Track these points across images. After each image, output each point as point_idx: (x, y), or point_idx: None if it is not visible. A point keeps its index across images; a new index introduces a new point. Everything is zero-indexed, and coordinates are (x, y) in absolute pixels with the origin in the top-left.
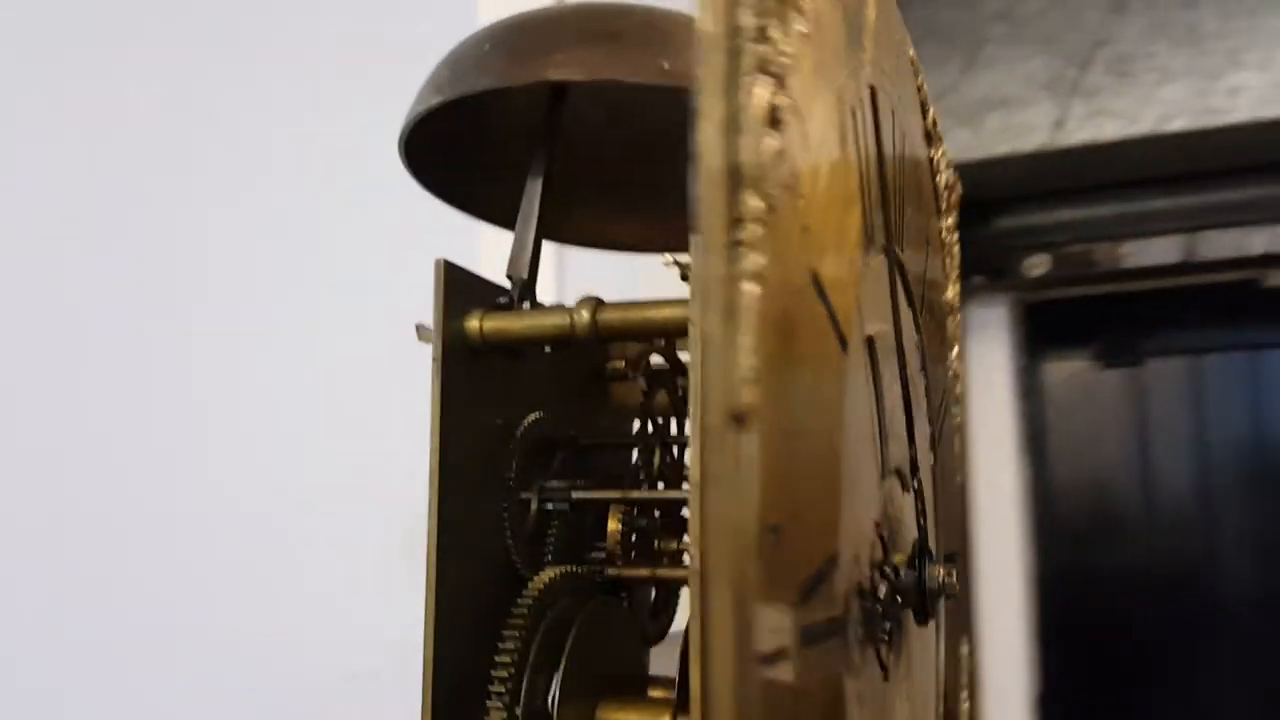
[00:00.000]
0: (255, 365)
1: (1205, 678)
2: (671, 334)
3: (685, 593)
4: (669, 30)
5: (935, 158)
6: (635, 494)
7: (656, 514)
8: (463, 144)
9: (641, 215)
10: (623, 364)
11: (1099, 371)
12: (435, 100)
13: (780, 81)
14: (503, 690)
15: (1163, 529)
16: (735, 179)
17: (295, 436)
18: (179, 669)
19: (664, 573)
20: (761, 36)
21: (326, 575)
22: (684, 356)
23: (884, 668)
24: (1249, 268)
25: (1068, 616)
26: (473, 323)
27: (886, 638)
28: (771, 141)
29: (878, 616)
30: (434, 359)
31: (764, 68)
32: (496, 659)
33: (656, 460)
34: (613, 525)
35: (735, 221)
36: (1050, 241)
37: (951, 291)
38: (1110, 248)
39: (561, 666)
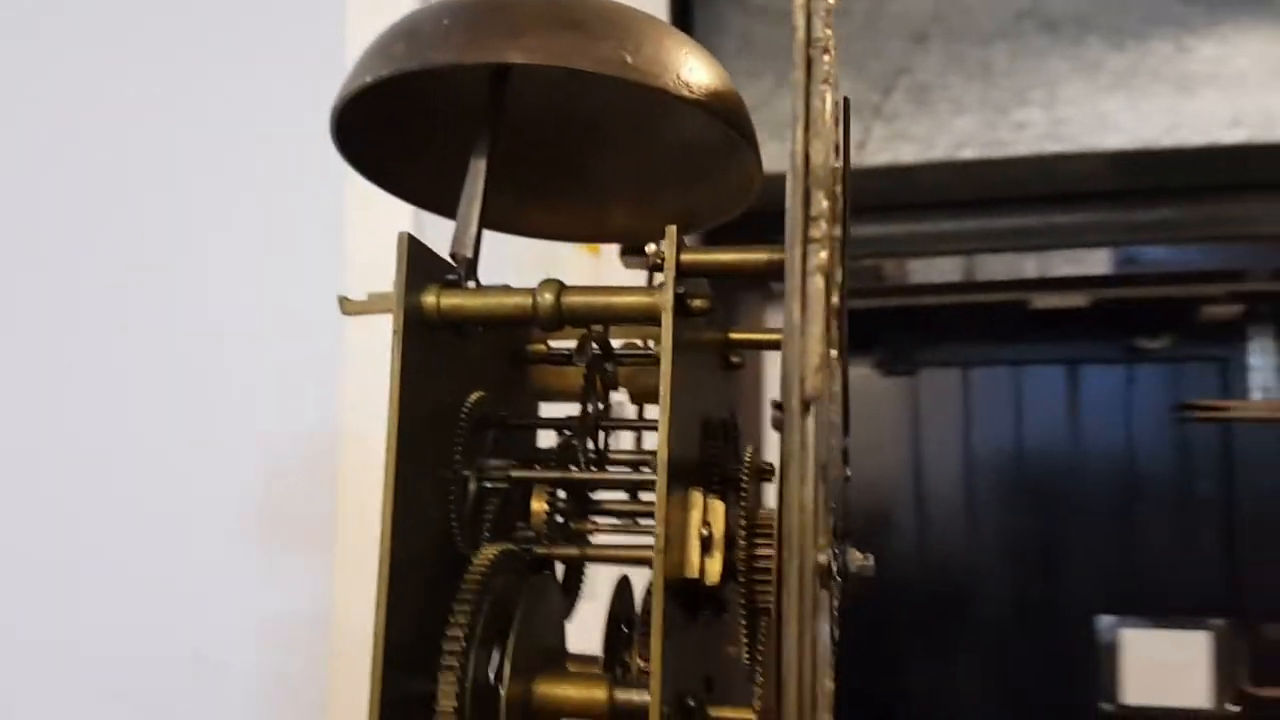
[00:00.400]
0: (109, 348)
1: (960, 671)
2: (634, 321)
3: (592, 572)
4: (628, 24)
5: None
6: (578, 475)
7: (561, 495)
8: (394, 124)
9: (556, 204)
10: (544, 347)
11: (880, 378)
12: (385, 72)
13: (835, 89)
14: (454, 664)
15: (931, 529)
16: (813, 179)
17: (150, 419)
18: (24, 647)
19: (592, 552)
20: (826, 48)
21: (175, 557)
22: (615, 343)
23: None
24: (1020, 290)
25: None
26: (430, 298)
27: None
28: (828, 146)
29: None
30: (395, 332)
31: (827, 77)
32: (447, 633)
33: (594, 444)
34: (537, 505)
35: (812, 219)
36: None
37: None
38: (899, 264)
39: (511, 642)
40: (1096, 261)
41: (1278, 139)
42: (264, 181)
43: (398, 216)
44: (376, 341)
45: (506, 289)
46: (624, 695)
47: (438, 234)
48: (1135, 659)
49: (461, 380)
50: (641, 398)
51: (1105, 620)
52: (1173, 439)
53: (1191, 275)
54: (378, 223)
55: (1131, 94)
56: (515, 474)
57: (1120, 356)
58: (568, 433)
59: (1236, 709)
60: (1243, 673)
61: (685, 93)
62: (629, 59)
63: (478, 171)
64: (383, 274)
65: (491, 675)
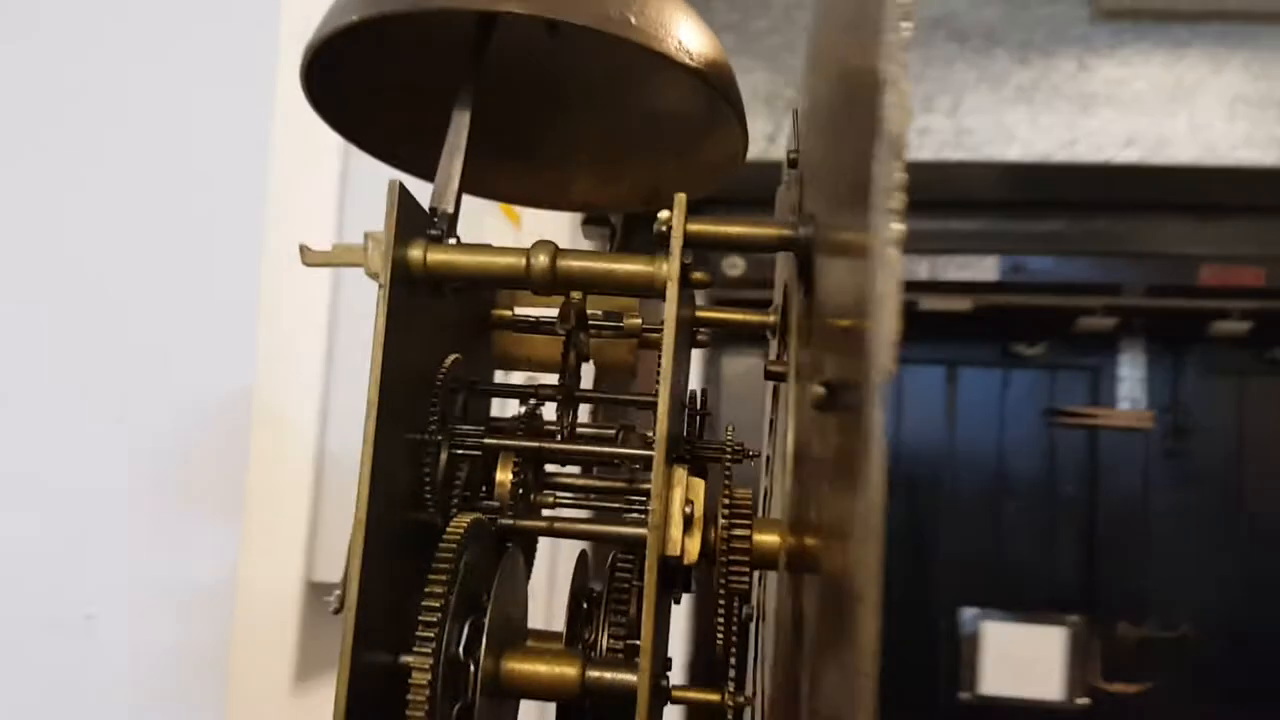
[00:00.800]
0: None
1: None
2: (632, 290)
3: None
4: None
5: None
6: (554, 445)
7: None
8: (363, 72)
9: (519, 167)
10: (509, 313)
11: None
12: (375, 11)
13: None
14: (429, 636)
15: None
16: (892, 148)
17: (43, 368)
18: None
19: (563, 527)
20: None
21: (67, 516)
22: (592, 312)
23: None
24: (910, 291)
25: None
26: (415, 253)
27: None
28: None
29: None
30: (381, 286)
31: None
32: (424, 604)
33: (569, 413)
34: (503, 476)
35: (893, 190)
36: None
37: None
38: None
39: (488, 617)
40: (985, 268)
41: (1168, 161)
42: (179, 118)
43: (326, 162)
44: (300, 296)
45: (497, 248)
46: (595, 673)
47: (368, 178)
48: (994, 651)
49: (433, 341)
50: (610, 370)
51: (968, 613)
52: (1043, 442)
53: (1072, 287)
54: (304, 168)
55: (1033, 108)
56: (490, 441)
57: (998, 360)
58: (533, 401)
59: (1086, 702)
60: (1095, 668)
61: (686, 60)
62: (633, 20)
63: (461, 124)
64: (307, 223)
65: (461, 650)
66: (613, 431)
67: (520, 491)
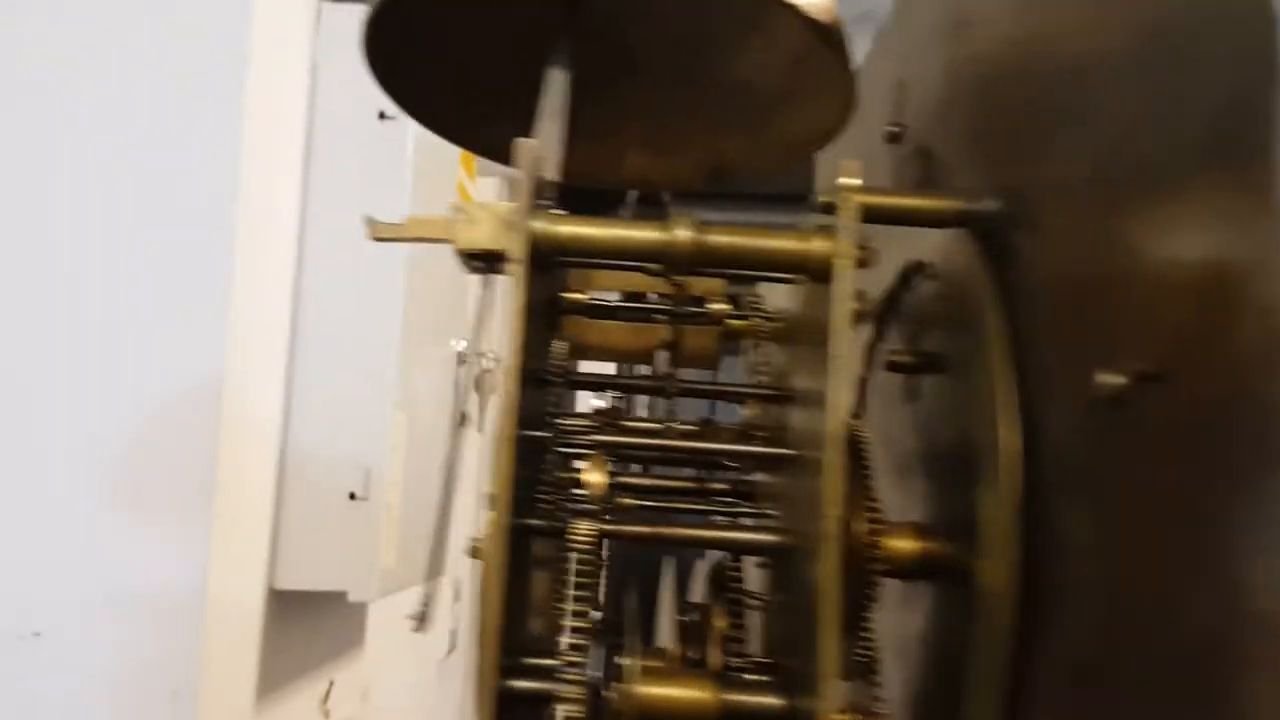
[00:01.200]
0: None
1: None
2: (780, 267)
3: None
4: None
5: None
6: (680, 444)
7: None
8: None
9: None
10: (584, 296)
11: None
12: None
13: None
14: (579, 661)
15: None
16: None
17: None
18: None
19: (668, 532)
20: None
21: (17, 519)
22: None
23: None
24: None
25: None
26: (542, 226)
27: None
28: None
29: None
30: (518, 262)
31: None
32: (574, 627)
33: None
34: (598, 477)
35: None
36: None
37: None
38: None
39: (631, 641)
40: None
41: None
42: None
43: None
44: (261, 296)
45: (632, 222)
46: (735, 697)
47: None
48: None
49: (547, 324)
50: (692, 360)
51: None
52: None
53: None
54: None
55: None
56: (606, 438)
57: None
58: (619, 396)
59: None
60: None
61: (820, 16)
62: None
63: (558, 84)
64: (274, 199)
65: (600, 673)
66: (695, 428)
67: (613, 493)
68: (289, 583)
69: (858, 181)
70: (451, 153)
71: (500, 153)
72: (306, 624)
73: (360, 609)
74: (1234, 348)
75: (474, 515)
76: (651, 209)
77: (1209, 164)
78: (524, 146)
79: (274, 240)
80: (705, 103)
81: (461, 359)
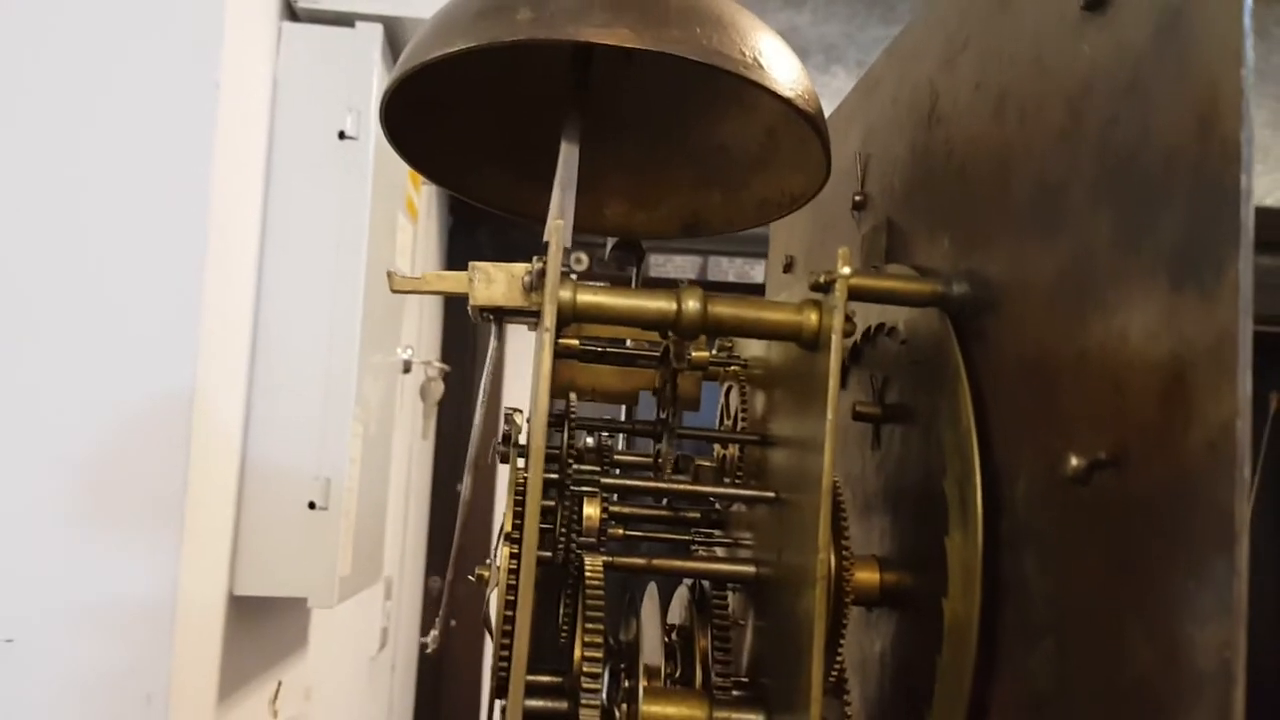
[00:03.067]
0: None
1: None
2: (777, 335)
3: None
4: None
5: None
6: (677, 485)
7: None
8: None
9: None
10: (575, 342)
11: None
12: (486, 39)
13: None
14: (595, 689)
15: None
16: None
17: None
18: None
19: (661, 563)
20: None
21: None
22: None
23: None
24: (743, 292)
25: None
26: (566, 294)
27: None
28: None
29: None
30: (545, 329)
31: None
32: (587, 654)
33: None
34: (592, 510)
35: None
36: (589, 243)
37: None
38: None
39: (640, 664)
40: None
41: None
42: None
43: (257, 137)
44: (244, 299)
45: (644, 291)
46: (723, 714)
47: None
48: None
49: (560, 380)
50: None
51: None
52: None
53: None
54: (243, 150)
55: None
56: (614, 481)
57: None
58: (603, 434)
59: None
60: None
61: (804, 106)
62: (750, 59)
63: (572, 156)
64: (243, 228)
65: (605, 696)
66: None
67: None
68: (251, 589)
69: (848, 271)
70: (401, 168)
71: (493, 199)
72: (260, 627)
73: (306, 612)
74: (1181, 444)
75: (404, 515)
76: (628, 252)
77: (1167, 281)
78: (552, 226)
79: (235, 255)
80: (685, 161)
81: (407, 367)
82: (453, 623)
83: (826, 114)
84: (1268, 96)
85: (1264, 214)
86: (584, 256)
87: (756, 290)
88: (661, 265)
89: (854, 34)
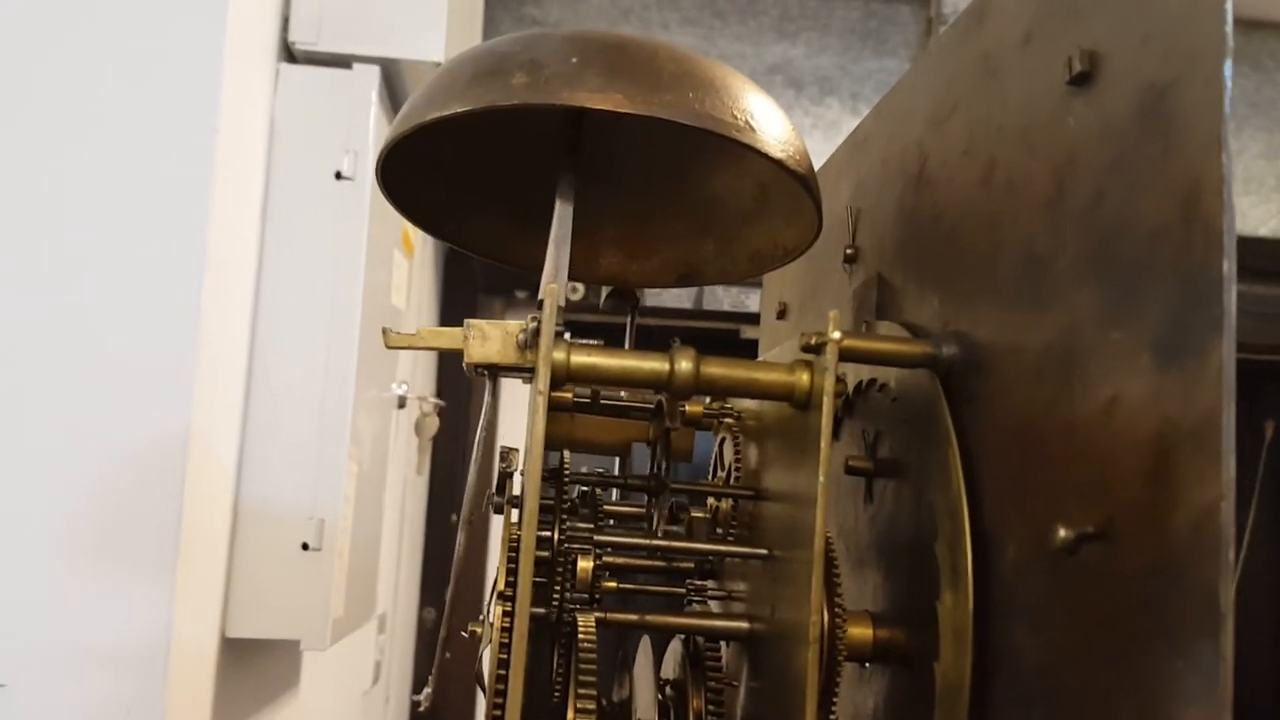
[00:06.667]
0: None
1: None
2: (768, 395)
3: None
4: (739, 90)
5: None
6: (660, 542)
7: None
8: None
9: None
10: (568, 395)
11: None
12: (483, 103)
13: None
14: None
15: None
16: None
17: None
18: None
19: (654, 619)
20: None
21: None
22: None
23: None
24: (737, 321)
25: None
26: (560, 355)
27: None
28: None
29: None
30: (539, 392)
31: None
32: (580, 708)
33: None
34: (586, 565)
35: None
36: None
37: None
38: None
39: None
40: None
41: None
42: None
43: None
44: (240, 339)
45: (637, 353)
46: None
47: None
48: None
49: (552, 438)
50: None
51: None
52: None
53: None
54: (241, 190)
55: None
56: (610, 538)
57: None
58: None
59: None
60: None
61: (795, 166)
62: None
63: (566, 215)
64: (239, 269)
65: None
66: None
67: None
68: (244, 631)
69: (839, 335)
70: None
71: (488, 249)
72: (253, 668)
73: (299, 651)
74: (1168, 523)
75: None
76: (623, 301)
77: (1152, 361)
78: (547, 290)
79: (232, 296)
80: (679, 212)
81: (402, 402)
82: (448, 654)
83: (822, 152)
84: (1260, 129)
85: (1258, 244)
86: (580, 286)
87: (751, 319)
88: (657, 295)
89: (848, 66)
